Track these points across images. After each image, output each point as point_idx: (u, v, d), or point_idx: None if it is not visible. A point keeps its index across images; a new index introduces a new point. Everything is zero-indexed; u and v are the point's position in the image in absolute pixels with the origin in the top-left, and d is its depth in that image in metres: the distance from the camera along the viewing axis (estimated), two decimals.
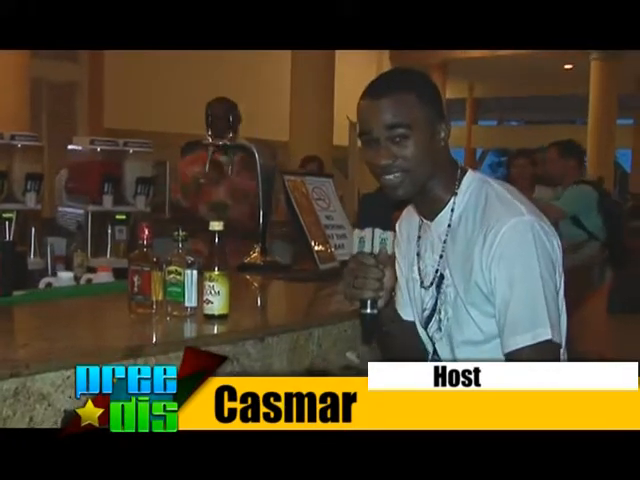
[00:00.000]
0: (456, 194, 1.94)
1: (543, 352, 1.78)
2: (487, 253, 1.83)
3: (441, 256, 1.95)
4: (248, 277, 2.99)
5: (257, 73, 12.75)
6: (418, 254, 2.03)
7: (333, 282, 2.94)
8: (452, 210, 1.93)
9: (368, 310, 1.82)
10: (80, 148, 4.82)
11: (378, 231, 1.83)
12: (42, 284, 2.76)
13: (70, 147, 4.89)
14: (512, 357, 1.80)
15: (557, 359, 1.81)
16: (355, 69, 14.26)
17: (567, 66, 16.81)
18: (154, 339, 2.03)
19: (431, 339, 2.02)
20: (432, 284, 1.98)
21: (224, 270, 2.06)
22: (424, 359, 2.10)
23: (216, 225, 2.07)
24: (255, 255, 3.12)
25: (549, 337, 1.79)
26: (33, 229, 4.17)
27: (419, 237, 2.03)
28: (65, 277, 2.77)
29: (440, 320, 1.98)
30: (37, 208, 4.37)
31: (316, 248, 2.89)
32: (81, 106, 10.95)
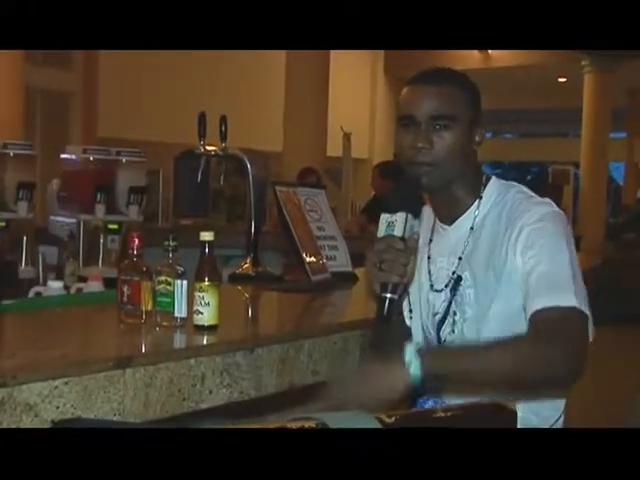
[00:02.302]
0: (481, 198, 1.97)
1: (568, 317, 1.75)
2: (521, 238, 1.86)
3: (460, 258, 1.97)
4: (239, 288, 2.99)
5: (251, 84, 12.78)
6: (429, 257, 2.04)
7: (325, 293, 2.94)
8: (475, 214, 1.96)
9: (389, 294, 1.81)
10: (73, 157, 4.82)
11: (410, 217, 1.83)
12: (32, 293, 2.76)
13: (63, 156, 4.89)
14: (537, 317, 1.76)
15: (584, 329, 1.76)
16: (349, 81, 14.30)
17: (561, 79, 16.88)
18: (143, 349, 2.03)
19: (443, 342, 2.01)
20: (447, 286, 1.99)
21: (214, 281, 2.06)
22: None
23: (206, 235, 2.07)
24: (247, 266, 3.11)
25: (574, 304, 1.75)
26: (25, 238, 4.15)
27: (431, 240, 2.04)
28: (55, 286, 2.76)
29: (454, 322, 1.98)
30: (29, 217, 4.36)
31: (307, 259, 2.89)
32: (75, 115, 10.95)
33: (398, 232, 1.81)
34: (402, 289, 1.85)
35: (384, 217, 1.85)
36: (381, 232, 1.84)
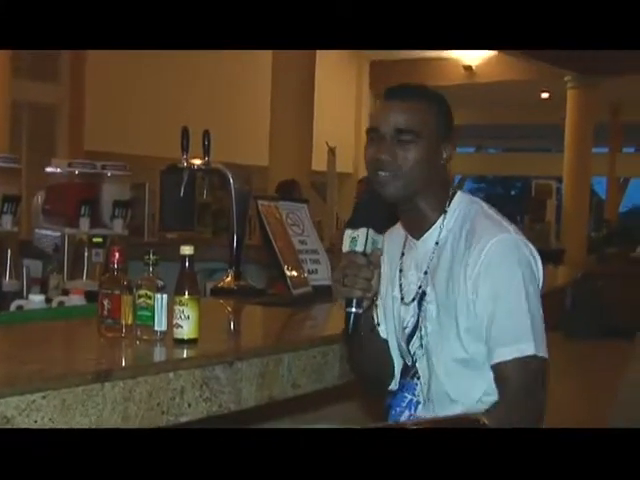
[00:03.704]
0: (446, 212, 2.00)
1: (527, 366, 1.84)
2: (472, 268, 1.89)
3: (425, 272, 2.00)
4: (221, 301, 3.00)
5: (237, 98, 12.81)
6: (401, 270, 2.07)
7: (306, 307, 2.96)
8: (440, 228, 1.99)
9: (354, 309, 1.86)
10: (58, 170, 4.82)
11: (372, 232, 1.87)
12: (13, 307, 2.76)
13: (48, 169, 4.88)
14: (498, 369, 1.86)
15: (542, 373, 1.86)
16: (334, 96, 14.34)
17: (544, 95, 16.98)
18: (123, 363, 2.04)
19: (412, 355, 2.05)
20: (414, 300, 2.02)
21: (194, 294, 2.07)
22: (388, 377, 2.13)
23: (186, 250, 2.08)
24: (229, 279, 3.13)
25: (532, 352, 1.84)
26: (9, 251, 4.14)
27: (403, 254, 2.07)
28: (37, 300, 2.76)
29: (421, 337, 2.01)
30: (14, 230, 4.35)
31: (289, 273, 2.90)
32: (61, 128, 10.93)
33: (360, 247, 1.86)
34: (368, 303, 1.89)
35: (347, 232, 1.89)
36: (345, 247, 1.88)
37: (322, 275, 3.13)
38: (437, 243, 1.99)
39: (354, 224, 1.89)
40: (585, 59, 12.58)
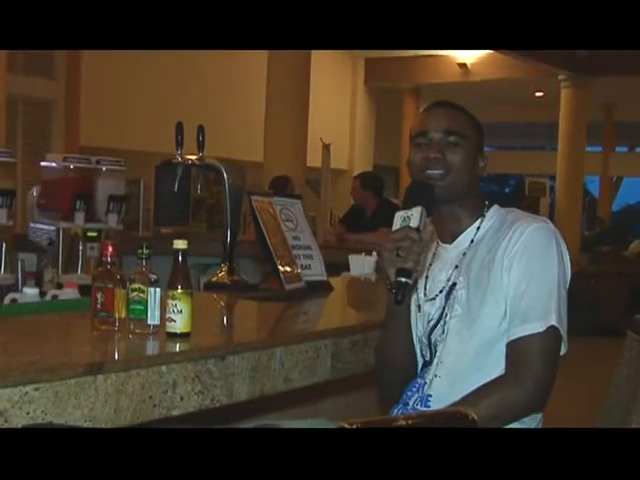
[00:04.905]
0: (484, 216, 2.11)
1: (548, 339, 1.94)
2: (511, 249, 1.99)
3: (456, 266, 2.09)
4: (214, 296, 3.01)
5: (232, 94, 12.81)
6: (427, 277, 2.15)
7: (299, 302, 2.97)
8: (477, 229, 2.09)
9: (404, 279, 1.90)
10: (53, 165, 4.83)
11: (424, 211, 1.95)
12: (7, 299, 2.76)
13: (43, 164, 4.89)
14: (519, 343, 1.94)
15: (556, 353, 1.97)
16: (330, 92, 14.36)
17: (538, 93, 17.00)
18: (116, 356, 2.05)
19: (434, 346, 2.10)
20: (441, 292, 2.10)
21: (187, 289, 2.08)
22: (409, 367, 2.17)
23: (179, 244, 2.09)
24: (222, 274, 3.14)
25: (554, 323, 1.93)
26: (4, 245, 4.16)
27: (430, 264, 2.15)
28: (30, 293, 2.77)
29: (445, 323, 2.08)
30: (9, 224, 4.36)
31: (282, 269, 2.91)
32: (57, 123, 10.93)
33: (414, 223, 1.93)
34: (415, 277, 1.94)
35: (399, 214, 1.96)
36: (396, 226, 1.95)
37: (315, 271, 3.14)
38: (472, 241, 2.09)
39: (406, 205, 1.97)
40: (579, 58, 12.61)
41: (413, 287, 2.03)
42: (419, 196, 1.99)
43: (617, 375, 2.42)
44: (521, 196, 17.84)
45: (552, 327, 1.93)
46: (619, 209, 25.31)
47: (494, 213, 2.11)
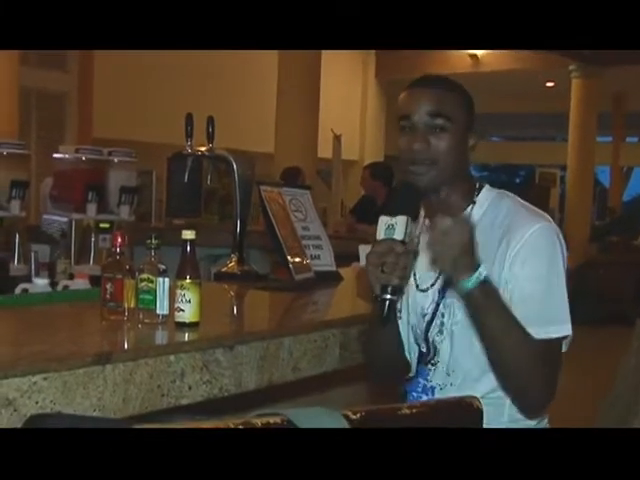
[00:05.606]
0: (474, 203, 2.02)
1: (553, 348, 1.90)
2: (511, 253, 1.90)
3: None
4: (224, 286, 3.02)
5: (244, 86, 12.82)
6: (416, 266, 2.06)
7: (308, 292, 2.98)
8: (469, 217, 1.97)
9: (389, 296, 1.84)
10: (65, 156, 4.84)
11: (409, 220, 1.86)
12: (18, 290, 2.79)
13: (56, 155, 4.91)
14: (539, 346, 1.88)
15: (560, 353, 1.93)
16: (340, 83, 14.34)
17: (549, 84, 16.93)
18: (125, 346, 2.06)
19: (431, 342, 2.05)
20: (432, 286, 2.04)
21: (195, 279, 2.09)
22: (399, 363, 2.15)
23: (188, 234, 2.10)
24: (232, 264, 3.15)
25: (567, 333, 1.91)
26: (17, 236, 4.18)
27: (418, 242, 2.04)
28: (41, 283, 2.79)
29: (443, 324, 2.02)
30: (22, 215, 4.39)
31: (291, 259, 2.92)
32: (70, 115, 10.98)
33: (399, 235, 1.83)
34: (400, 291, 1.89)
35: (383, 219, 1.86)
36: (380, 234, 1.86)
37: (325, 261, 3.15)
38: None
39: (391, 211, 1.87)
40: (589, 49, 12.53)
41: (399, 301, 1.97)
42: (406, 202, 1.90)
43: (625, 364, 2.42)
44: (531, 186, 17.79)
45: (556, 331, 1.89)
46: (630, 199, 25.19)
47: (485, 198, 2.01)
